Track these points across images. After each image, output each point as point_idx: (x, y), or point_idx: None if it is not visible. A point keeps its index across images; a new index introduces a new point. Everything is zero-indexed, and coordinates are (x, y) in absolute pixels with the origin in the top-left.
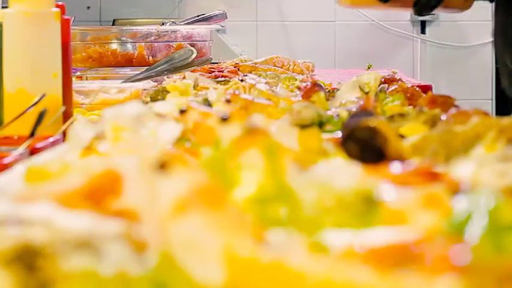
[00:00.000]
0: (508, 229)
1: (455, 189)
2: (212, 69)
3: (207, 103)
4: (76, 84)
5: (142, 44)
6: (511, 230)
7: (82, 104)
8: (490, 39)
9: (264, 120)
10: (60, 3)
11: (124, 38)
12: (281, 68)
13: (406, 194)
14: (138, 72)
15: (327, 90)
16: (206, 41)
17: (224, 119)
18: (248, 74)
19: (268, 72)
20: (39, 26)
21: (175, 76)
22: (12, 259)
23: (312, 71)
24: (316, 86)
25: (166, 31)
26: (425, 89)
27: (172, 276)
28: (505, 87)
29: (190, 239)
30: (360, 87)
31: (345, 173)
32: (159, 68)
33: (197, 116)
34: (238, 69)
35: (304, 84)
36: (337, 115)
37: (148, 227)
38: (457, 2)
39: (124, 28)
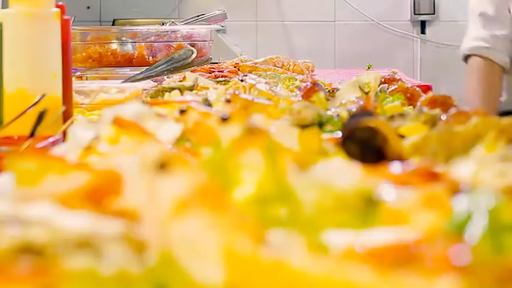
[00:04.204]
0: (508, 229)
1: (455, 189)
2: (212, 69)
3: (207, 103)
4: (76, 84)
5: (142, 44)
6: (511, 230)
7: (82, 104)
8: None
9: (264, 120)
10: (60, 3)
11: (124, 38)
12: (281, 68)
13: (406, 194)
14: (138, 72)
15: (327, 90)
16: (206, 41)
17: (224, 119)
18: (248, 74)
19: (268, 72)
20: (39, 26)
21: (175, 76)
22: (12, 259)
23: (312, 71)
24: (316, 86)
25: (166, 31)
26: (425, 89)
27: (172, 276)
28: None
29: (190, 239)
30: (360, 87)
31: (345, 173)
32: (159, 68)
33: (197, 116)
34: (238, 69)
35: (304, 84)
36: (337, 115)
37: (148, 227)
38: None
39: (124, 28)
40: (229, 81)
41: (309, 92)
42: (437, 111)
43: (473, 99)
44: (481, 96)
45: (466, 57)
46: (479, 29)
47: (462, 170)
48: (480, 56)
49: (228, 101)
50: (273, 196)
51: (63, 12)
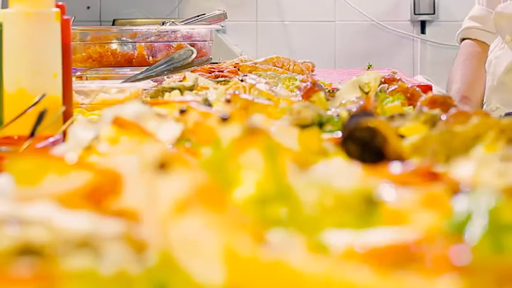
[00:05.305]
0: (508, 229)
1: (455, 189)
2: (212, 69)
3: (207, 103)
4: (76, 84)
5: (142, 44)
6: (511, 230)
7: (82, 104)
8: None
9: (264, 120)
10: (60, 3)
11: (124, 38)
12: (281, 68)
13: (406, 194)
14: (138, 72)
15: (327, 90)
16: (206, 41)
17: (224, 119)
18: (248, 74)
19: (268, 72)
20: (39, 26)
21: (175, 76)
22: (12, 259)
23: (312, 71)
24: (316, 86)
25: (166, 31)
26: (425, 89)
27: (172, 276)
28: None
29: (190, 239)
30: (360, 87)
31: (345, 173)
32: (159, 68)
33: (197, 116)
34: (238, 69)
35: (304, 84)
36: (337, 115)
37: (148, 227)
38: None
39: (124, 28)
40: (229, 81)
41: (309, 92)
42: (437, 111)
43: (451, 85)
44: (461, 82)
45: (461, 42)
46: (475, 4)
47: (462, 170)
48: (470, 39)
49: (228, 101)
50: (273, 196)
51: (63, 12)
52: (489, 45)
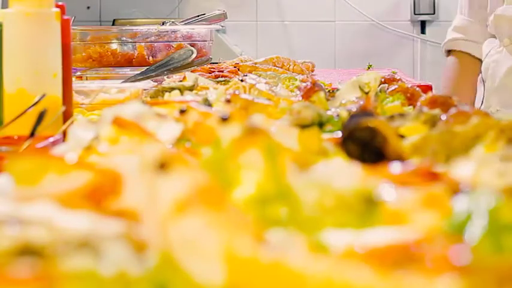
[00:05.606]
0: (508, 229)
1: (455, 189)
2: (212, 69)
3: (207, 103)
4: (76, 84)
5: (142, 44)
6: (511, 230)
7: (82, 104)
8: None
9: (264, 120)
10: (60, 3)
11: (124, 38)
12: (281, 68)
13: (406, 194)
14: (138, 72)
15: (327, 90)
16: (206, 41)
17: (224, 119)
18: (248, 74)
19: (268, 72)
20: (39, 26)
21: (175, 76)
22: (12, 259)
23: (312, 71)
24: (316, 86)
25: (166, 31)
26: (425, 89)
27: (172, 276)
28: None
29: (190, 239)
30: (360, 87)
31: (345, 173)
32: (159, 68)
33: (197, 116)
34: (238, 69)
35: (304, 84)
36: (337, 115)
37: (148, 227)
38: None
39: (124, 28)
40: (229, 81)
41: (309, 92)
42: (437, 111)
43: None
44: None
45: (448, 53)
46: (458, 14)
47: (462, 170)
48: (455, 51)
49: (228, 101)
50: (273, 196)
51: (63, 12)
52: (474, 56)
